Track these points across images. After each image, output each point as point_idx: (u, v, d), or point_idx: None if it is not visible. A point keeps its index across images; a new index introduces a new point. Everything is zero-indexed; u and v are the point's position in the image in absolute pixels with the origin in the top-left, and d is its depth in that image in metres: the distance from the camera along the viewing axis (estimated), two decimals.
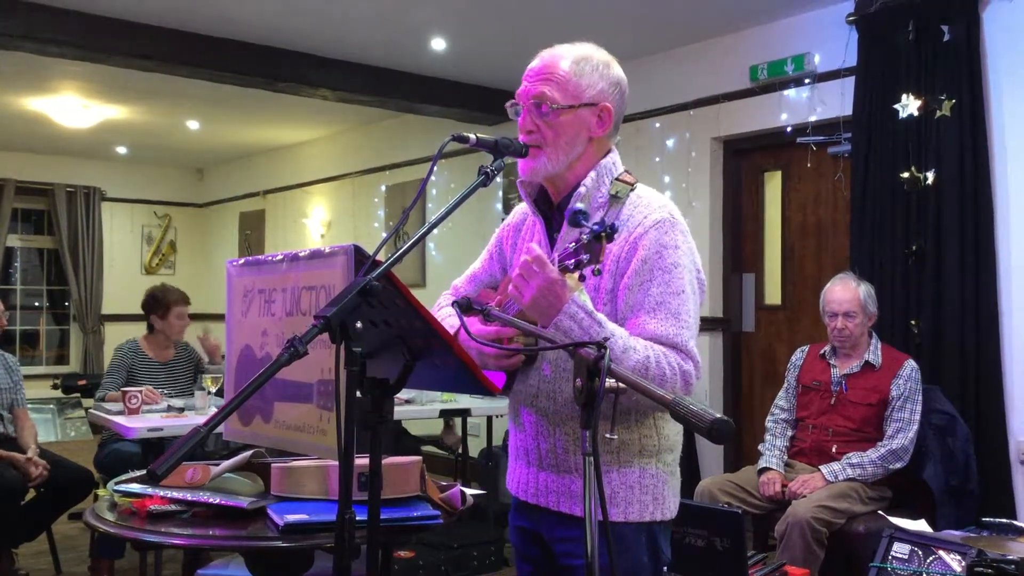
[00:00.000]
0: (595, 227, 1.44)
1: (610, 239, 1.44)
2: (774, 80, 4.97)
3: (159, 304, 4.75)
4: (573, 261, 1.50)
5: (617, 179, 1.77)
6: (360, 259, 1.66)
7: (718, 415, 1.22)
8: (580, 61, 1.75)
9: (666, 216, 1.72)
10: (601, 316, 1.60)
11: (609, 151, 1.81)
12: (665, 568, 1.78)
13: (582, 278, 1.54)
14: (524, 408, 1.79)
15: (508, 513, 1.94)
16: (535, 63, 1.78)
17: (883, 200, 4.37)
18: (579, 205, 1.55)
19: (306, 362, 1.36)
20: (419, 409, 4.70)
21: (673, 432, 1.77)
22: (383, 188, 7.90)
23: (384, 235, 7.52)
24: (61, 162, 9.72)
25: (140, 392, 4.06)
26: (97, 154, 9.66)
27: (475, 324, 1.74)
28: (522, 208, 2.00)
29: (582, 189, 1.74)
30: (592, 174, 1.76)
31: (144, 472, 2.25)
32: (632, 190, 1.76)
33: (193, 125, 8.14)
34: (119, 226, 10.22)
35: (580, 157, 1.76)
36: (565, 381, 1.69)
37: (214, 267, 10.20)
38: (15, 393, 4.46)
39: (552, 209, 1.84)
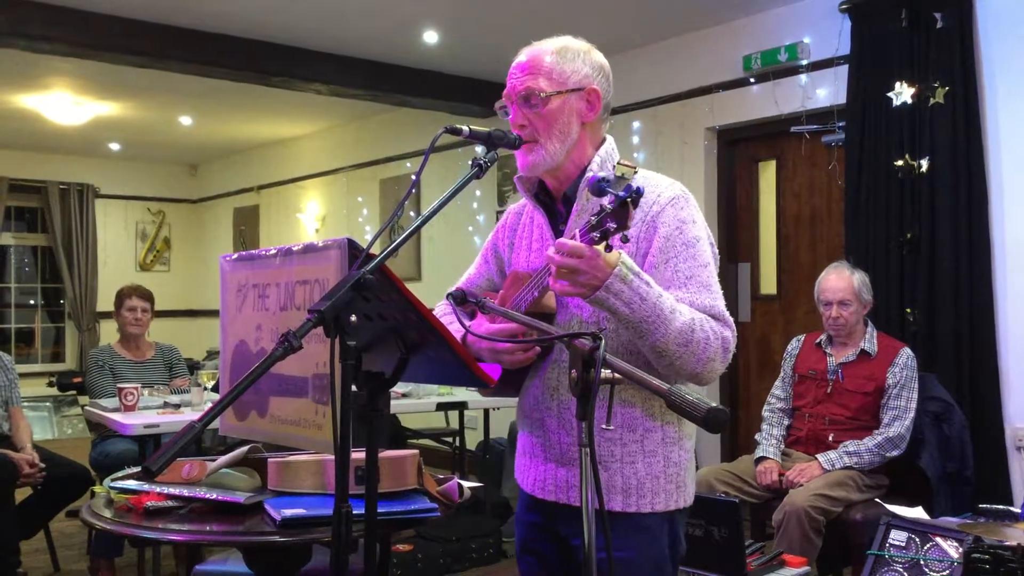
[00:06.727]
0: (621, 193, 1.42)
1: (636, 204, 1.43)
2: (767, 69, 4.97)
3: (116, 300, 4.78)
4: (599, 232, 1.47)
5: (619, 163, 1.77)
6: (354, 253, 1.65)
7: (713, 404, 1.22)
8: (560, 51, 1.77)
9: (679, 192, 1.74)
10: (647, 276, 1.59)
11: (604, 139, 1.82)
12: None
13: (608, 248, 1.49)
14: (544, 404, 1.77)
15: (505, 505, 1.94)
16: (517, 61, 1.79)
17: (877, 188, 4.37)
18: (600, 173, 1.54)
19: (301, 356, 1.36)
20: (416, 403, 4.70)
21: None
22: (398, 180, 7.88)
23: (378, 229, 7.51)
24: (54, 159, 9.69)
25: (136, 388, 4.05)
26: (90, 151, 9.63)
27: (485, 323, 1.74)
28: (514, 208, 1.99)
29: (589, 174, 1.73)
30: (597, 158, 1.77)
31: (140, 468, 2.25)
32: (635, 173, 1.76)
33: (186, 121, 8.11)
34: (113, 223, 10.21)
35: (576, 144, 1.77)
36: None
37: (208, 263, 10.19)
38: (10, 391, 4.44)
39: (554, 202, 1.83)
